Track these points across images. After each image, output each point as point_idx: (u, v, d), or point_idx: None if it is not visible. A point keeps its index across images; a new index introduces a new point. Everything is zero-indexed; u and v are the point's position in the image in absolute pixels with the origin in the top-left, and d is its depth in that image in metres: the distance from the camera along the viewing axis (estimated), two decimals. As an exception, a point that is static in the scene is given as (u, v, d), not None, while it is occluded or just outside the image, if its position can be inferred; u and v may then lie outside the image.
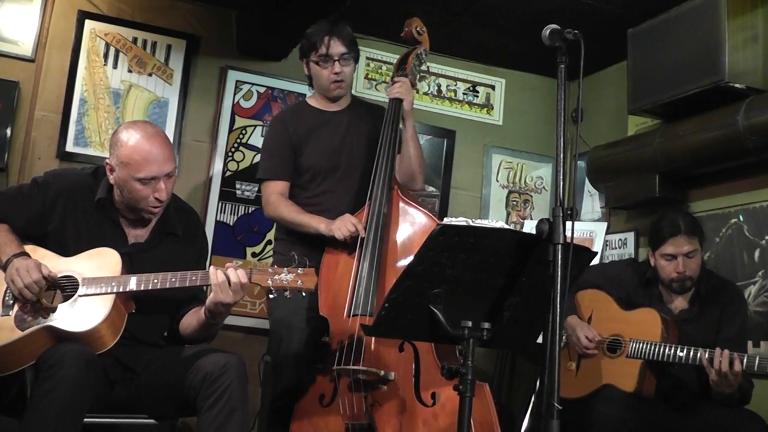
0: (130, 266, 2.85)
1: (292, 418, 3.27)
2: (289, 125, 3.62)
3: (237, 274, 2.71)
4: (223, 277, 2.70)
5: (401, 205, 3.37)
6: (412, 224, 3.33)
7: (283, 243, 3.56)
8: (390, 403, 3.06)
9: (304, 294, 2.78)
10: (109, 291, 2.75)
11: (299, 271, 2.75)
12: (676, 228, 3.53)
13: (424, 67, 3.77)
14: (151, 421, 3.05)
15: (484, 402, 3.00)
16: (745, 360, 3.18)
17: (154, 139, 2.88)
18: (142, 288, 2.76)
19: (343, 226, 3.31)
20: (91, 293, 2.76)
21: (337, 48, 3.54)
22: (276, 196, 3.55)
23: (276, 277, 2.74)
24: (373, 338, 3.10)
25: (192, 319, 2.96)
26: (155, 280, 2.76)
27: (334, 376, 3.17)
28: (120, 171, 2.87)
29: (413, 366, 3.05)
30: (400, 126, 3.55)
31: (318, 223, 3.41)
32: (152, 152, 2.85)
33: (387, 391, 3.07)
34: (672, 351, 3.35)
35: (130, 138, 2.86)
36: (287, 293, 2.75)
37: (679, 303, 3.63)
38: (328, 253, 3.41)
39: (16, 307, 2.77)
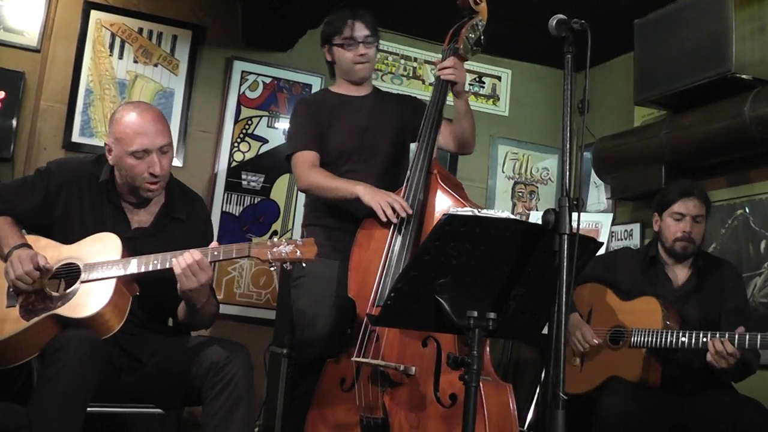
0: (133, 251, 2.84)
1: (312, 402, 3.22)
2: (312, 105, 3.59)
3: (190, 254, 2.70)
4: (184, 263, 2.69)
5: (439, 192, 3.20)
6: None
7: (313, 229, 3.47)
8: (407, 399, 2.99)
9: (304, 264, 2.75)
10: (110, 275, 2.75)
11: (298, 241, 2.72)
12: (688, 190, 3.61)
13: (478, 45, 3.50)
14: (158, 410, 3.06)
15: (505, 403, 2.94)
16: (736, 339, 3.20)
17: (146, 114, 2.89)
18: (142, 270, 2.75)
19: (387, 204, 3.15)
20: (93, 278, 2.76)
21: (361, 31, 3.53)
22: (308, 165, 3.43)
23: (275, 249, 2.70)
24: (397, 331, 3.04)
25: (182, 306, 2.95)
26: (155, 261, 2.75)
27: (356, 363, 3.11)
28: (115, 148, 2.89)
29: (435, 363, 2.97)
30: (451, 103, 3.41)
31: (354, 186, 3.28)
32: (143, 125, 2.86)
33: (406, 387, 3.00)
34: (675, 337, 3.34)
35: (124, 114, 2.89)
36: (287, 265, 2.74)
37: (682, 274, 3.65)
38: (362, 234, 3.30)
39: (21, 298, 2.78)
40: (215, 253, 2.76)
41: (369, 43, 3.56)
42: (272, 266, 2.74)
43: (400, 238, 3.14)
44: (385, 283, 3.10)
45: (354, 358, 3.07)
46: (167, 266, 2.73)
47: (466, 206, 3.05)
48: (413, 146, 3.52)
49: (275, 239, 2.76)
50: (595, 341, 3.56)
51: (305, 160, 3.46)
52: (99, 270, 2.77)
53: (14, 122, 4.57)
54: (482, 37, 3.49)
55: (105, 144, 2.95)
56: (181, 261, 2.69)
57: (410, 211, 3.13)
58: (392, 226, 3.17)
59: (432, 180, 3.24)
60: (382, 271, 3.13)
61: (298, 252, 2.71)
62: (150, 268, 2.76)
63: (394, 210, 3.14)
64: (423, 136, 3.32)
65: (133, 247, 2.87)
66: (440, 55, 3.51)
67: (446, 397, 2.91)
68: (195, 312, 2.88)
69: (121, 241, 2.83)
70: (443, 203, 3.18)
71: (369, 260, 3.24)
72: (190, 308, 2.86)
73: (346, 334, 3.32)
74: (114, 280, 2.74)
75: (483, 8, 3.45)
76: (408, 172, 3.28)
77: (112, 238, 2.84)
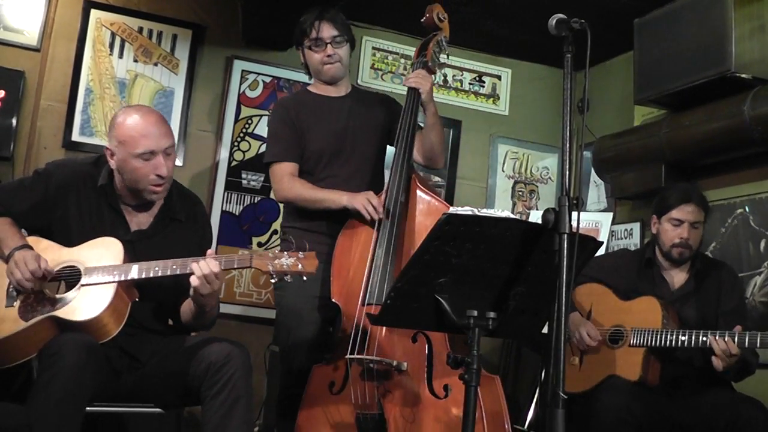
0: (133, 254, 2.84)
1: (301, 406, 3.25)
2: (291, 110, 3.58)
3: (207, 264, 2.70)
4: (200, 272, 2.69)
5: (419, 193, 3.30)
6: (429, 213, 3.25)
7: (293, 231, 3.48)
8: (401, 394, 3.03)
9: (305, 278, 2.76)
10: (111, 280, 2.75)
11: (300, 254, 2.73)
12: (687, 196, 3.62)
13: (443, 56, 3.65)
14: (158, 410, 3.06)
15: (495, 394, 2.99)
16: (736, 338, 3.20)
17: (149, 116, 2.90)
18: (143, 276, 2.76)
19: (367, 202, 3.26)
20: (93, 282, 2.76)
21: (328, 31, 3.51)
22: (288, 176, 3.48)
23: (276, 261, 2.72)
24: (386, 328, 3.08)
25: (187, 307, 2.96)
26: (156, 268, 2.75)
27: (345, 364, 3.13)
28: (119, 152, 2.88)
29: (426, 357, 3.02)
30: (420, 113, 3.49)
31: (339, 197, 3.35)
32: (148, 128, 2.86)
33: (399, 382, 3.03)
34: (674, 336, 3.35)
35: (127, 118, 2.89)
36: (288, 277, 2.75)
37: (678, 277, 3.66)
38: (343, 238, 3.35)
39: (20, 299, 2.78)
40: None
41: (338, 43, 3.54)
42: (273, 278, 2.75)
43: (385, 238, 3.19)
44: (372, 283, 3.15)
45: (347, 356, 3.09)
46: (168, 273, 2.74)
47: (446, 206, 3.23)
48: (390, 149, 3.58)
49: (276, 250, 2.77)
50: (600, 337, 3.57)
51: (285, 171, 3.50)
52: (99, 274, 2.77)
53: (14, 121, 4.56)
54: (447, 53, 3.69)
55: (106, 148, 2.94)
56: (197, 270, 2.69)
57: (381, 215, 3.22)
58: (376, 228, 3.24)
59: (412, 183, 3.33)
60: (369, 271, 3.17)
61: (300, 265, 2.73)
62: (151, 275, 2.76)
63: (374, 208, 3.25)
64: (400, 141, 3.38)
65: (132, 249, 2.87)
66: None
67: (440, 389, 2.96)
68: (203, 314, 2.90)
69: (122, 246, 2.84)
70: (424, 203, 3.29)
71: (353, 262, 3.29)
72: (200, 311, 2.88)
73: (329, 333, 3.36)
74: (114, 285, 2.74)
75: (445, 25, 3.66)
76: (388, 175, 3.34)
77: (114, 243, 2.85)
